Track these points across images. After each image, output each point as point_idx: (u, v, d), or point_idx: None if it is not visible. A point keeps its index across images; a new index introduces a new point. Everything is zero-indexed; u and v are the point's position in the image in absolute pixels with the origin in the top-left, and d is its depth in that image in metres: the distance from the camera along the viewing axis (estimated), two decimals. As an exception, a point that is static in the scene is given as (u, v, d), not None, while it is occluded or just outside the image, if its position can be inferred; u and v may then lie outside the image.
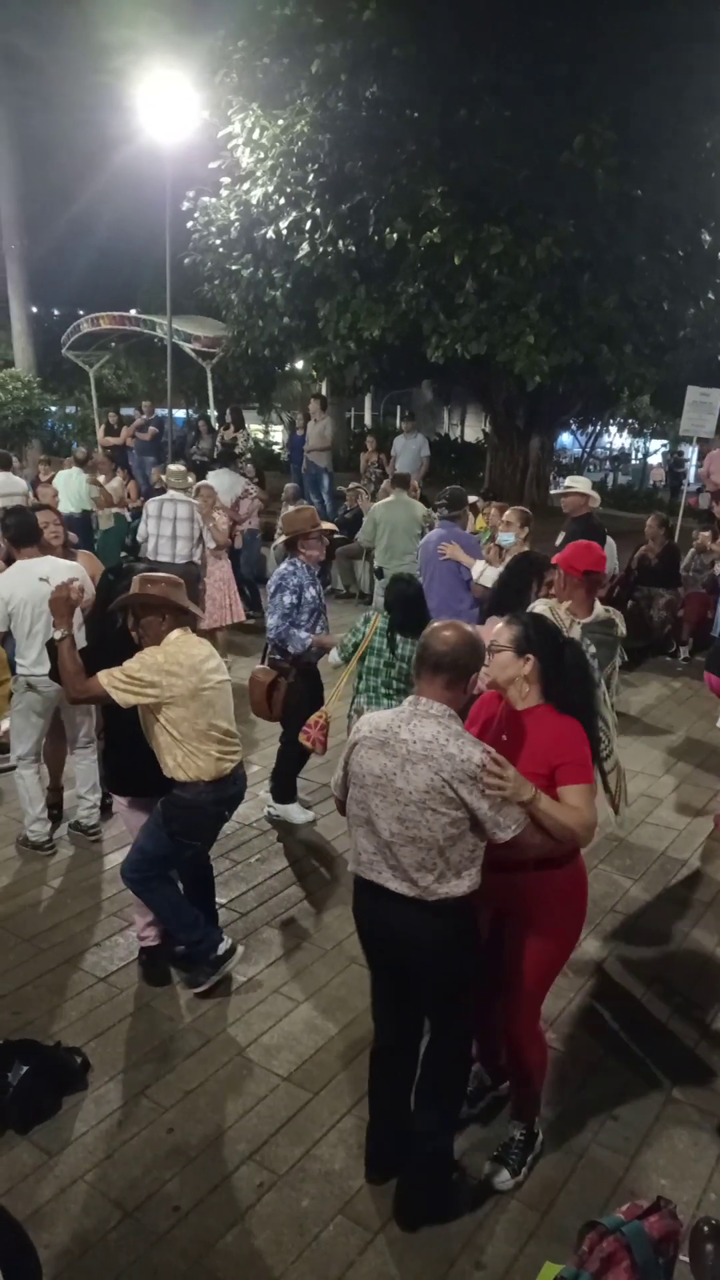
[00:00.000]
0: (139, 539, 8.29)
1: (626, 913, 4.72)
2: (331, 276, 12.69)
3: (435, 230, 11.37)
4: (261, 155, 12.78)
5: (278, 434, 27.19)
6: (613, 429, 30.56)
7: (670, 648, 9.33)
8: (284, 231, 12.71)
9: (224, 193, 13.93)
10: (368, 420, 27.76)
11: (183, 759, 3.66)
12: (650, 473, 28.74)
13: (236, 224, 13.73)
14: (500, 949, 3.04)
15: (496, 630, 2.96)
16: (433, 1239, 2.86)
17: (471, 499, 8.61)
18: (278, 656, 5.38)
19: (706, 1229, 2.60)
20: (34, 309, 21.32)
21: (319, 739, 4.92)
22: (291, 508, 6.25)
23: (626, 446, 34.14)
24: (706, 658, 6.53)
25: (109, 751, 4.26)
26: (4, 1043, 3.45)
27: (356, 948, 3.02)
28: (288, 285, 13.32)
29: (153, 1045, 3.68)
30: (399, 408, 27.07)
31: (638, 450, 33.67)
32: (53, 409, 22.12)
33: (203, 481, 9.38)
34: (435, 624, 2.81)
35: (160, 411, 15.89)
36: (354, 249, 12.34)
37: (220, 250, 14.18)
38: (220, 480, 9.86)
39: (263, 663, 5.57)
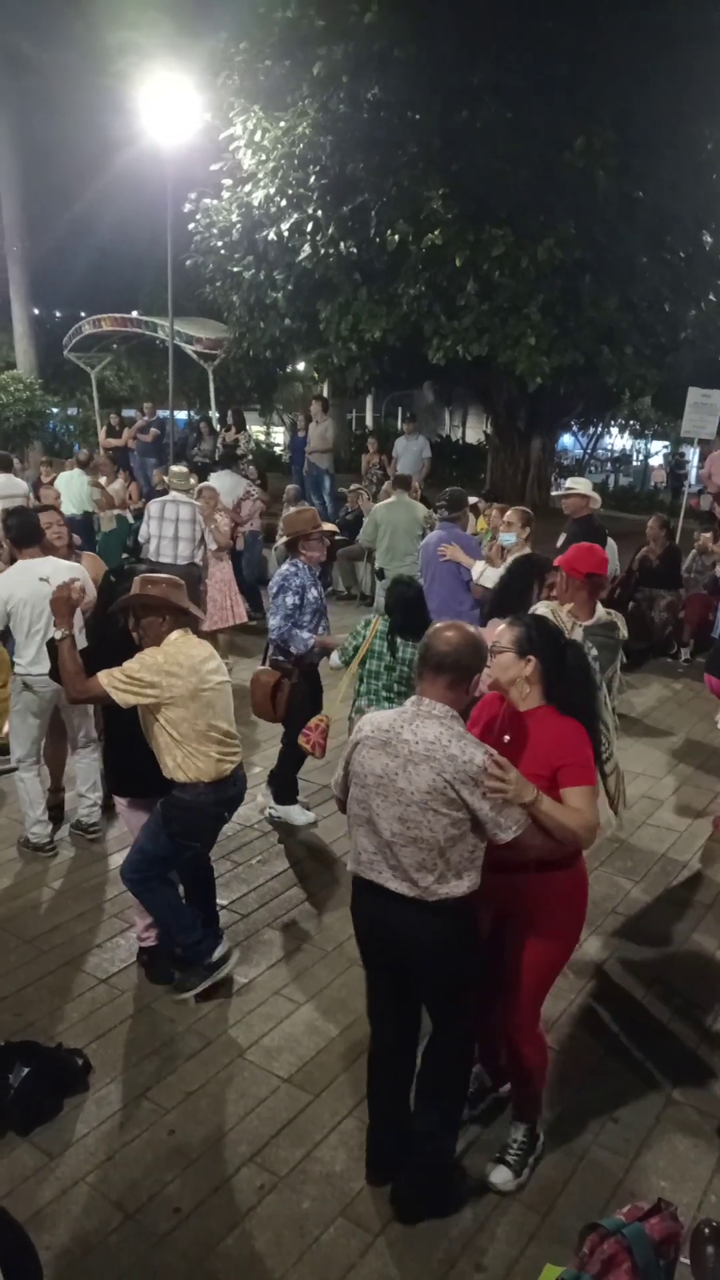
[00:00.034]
0: (141, 540, 8.30)
1: (627, 914, 4.72)
2: (333, 278, 12.70)
3: (436, 232, 11.39)
4: (263, 157, 12.80)
5: (279, 435, 27.19)
6: (614, 430, 30.55)
7: (671, 649, 9.33)
8: (285, 233, 12.73)
9: (225, 194, 13.95)
10: (369, 422, 27.75)
11: (182, 759, 3.66)
12: (651, 474, 28.72)
13: (238, 226, 13.74)
14: (501, 950, 3.04)
15: (499, 632, 2.96)
16: (433, 1241, 2.86)
17: (472, 500, 8.61)
18: (280, 658, 5.38)
19: (707, 1231, 2.60)
20: (36, 311, 21.34)
21: (319, 742, 4.92)
22: (293, 509, 6.25)
23: (627, 448, 34.12)
24: (707, 659, 6.53)
25: (109, 752, 4.27)
26: (5, 1044, 3.46)
27: (357, 949, 3.02)
28: (289, 287, 13.34)
29: (154, 1047, 3.68)
30: (400, 409, 27.06)
31: (639, 452, 33.65)
32: (54, 411, 22.14)
33: (205, 483, 9.39)
34: (438, 625, 2.82)
35: (162, 413, 15.90)
36: (355, 251, 12.36)
37: (222, 252, 14.19)
38: (222, 482, 9.87)
39: (264, 664, 5.57)
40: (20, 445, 18.53)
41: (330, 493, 13.88)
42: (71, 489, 11.24)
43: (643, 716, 7.68)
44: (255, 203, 13.08)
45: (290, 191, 12.69)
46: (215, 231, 14.20)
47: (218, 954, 3.93)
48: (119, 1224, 2.90)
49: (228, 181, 13.83)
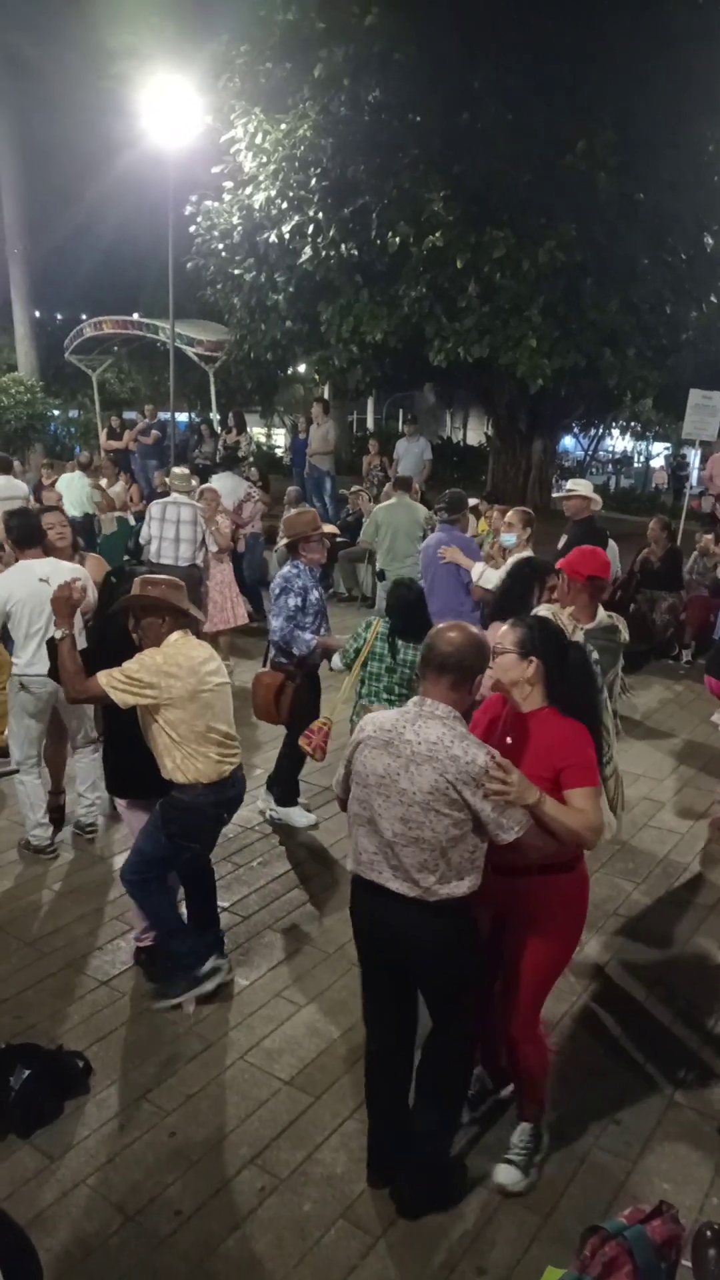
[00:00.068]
0: (142, 541, 8.31)
1: (629, 916, 4.71)
2: (334, 280, 12.71)
3: (437, 234, 11.39)
4: (264, 159, 12.82)
5: (280, 438, 27.21)
6: (615, 432, 30.54)
7: (673, 651, 9.32)
8: (286, 235, 12.74)
9: (226, 197, 13.96)
10: (370, 424, 27.77)
11: (182, 761, 3.66)
12: (652, 476, 28.72)
13: (239, 228, 13.75)
14: (501, 951, 3.04)
15: (501, 633, 2.96)
16: (435, 1243, 2.86)
17: (473, 502, 8.62)
18: (283, 660, 5.37)
19: (709, 1234, 2.60)
20: (37, 313, 21.38)
21: (321, 745, 4.92)
22: (293, 511, 6.26)
23: (629, 449, 34.13)
24: (707, 660, 6.53)
25: (108, 753, 4.27)
26: (6, 1046, 3.46)
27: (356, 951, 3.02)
28: (290, 289, 13.35)
29: (155, 1049, 3.68)
30: (401, 411, 27.06)
31: (640, 453, 33.65)
32: (55, 413, 22.16)
33: (206, 485, 9.39)
34: (441, 625, 2.82)
35: (163, 415, 15.92)
36: (356, 253, 12.36)
37: (223, 254, 14.21)
38: (223, 484, 9.88)
39: (265, 666, 5.56)
40: (21, 448, 18.56)
41: (331, 495, 13.89)
42: (72, 491, 11.26)
43: (644, 718, 7.68)
44: (256, 205, 13.10)
45: (291, 194, 12.70)
46: (216, 234, 14.22)
47: (205, 968, 3.91)
48: (120, 1226, 2.90)
49: (229, 184, 13.84)
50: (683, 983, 4.20)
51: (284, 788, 5.61)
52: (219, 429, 15.44)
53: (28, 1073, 3.28)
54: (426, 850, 2.64)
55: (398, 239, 11.72)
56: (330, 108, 12.00)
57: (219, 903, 4.40)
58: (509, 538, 6.61)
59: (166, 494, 8.62)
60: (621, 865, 5.21)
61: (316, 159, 12.43)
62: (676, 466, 23.99)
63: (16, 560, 5.07)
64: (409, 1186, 2.99)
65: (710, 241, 12.31)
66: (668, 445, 29.41)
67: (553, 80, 10.82)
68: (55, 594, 3.96)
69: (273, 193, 12.78)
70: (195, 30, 13.16)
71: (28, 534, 5.06)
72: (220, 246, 14.20)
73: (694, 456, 20.66)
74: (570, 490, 7.67)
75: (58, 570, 4.81)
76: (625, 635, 4.22)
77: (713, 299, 12.83)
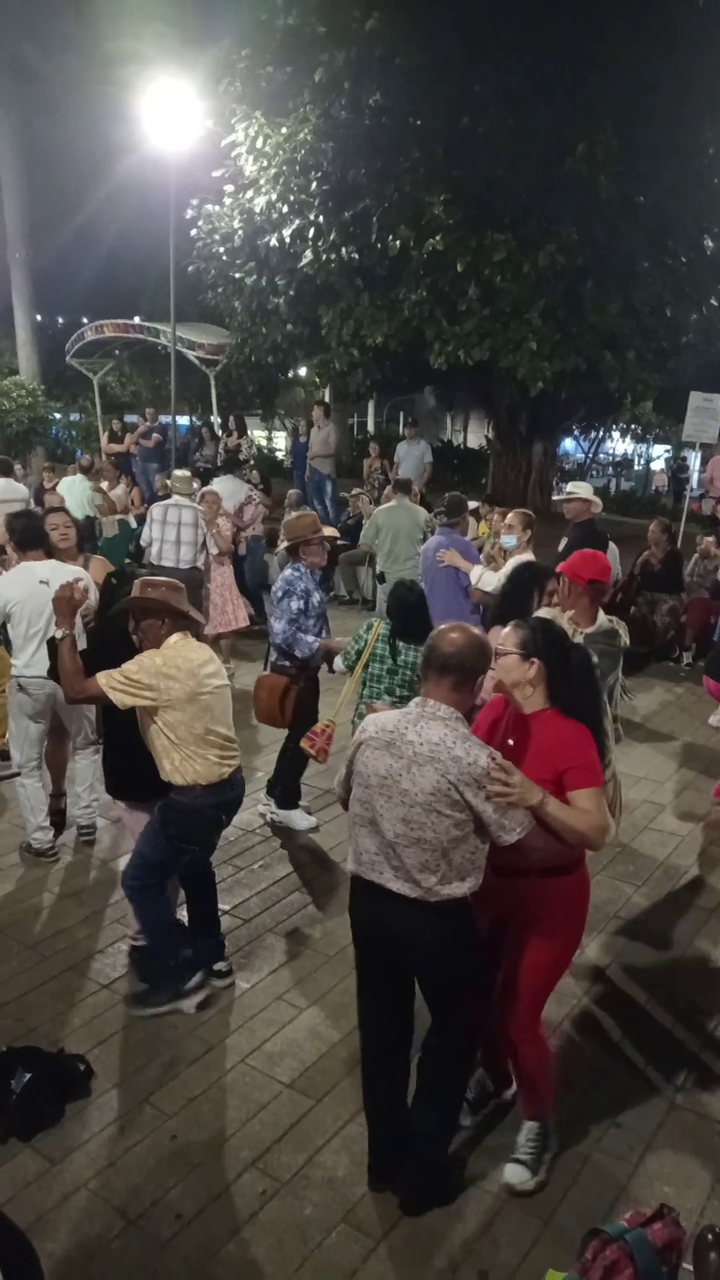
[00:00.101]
0: (143, 544, 8.32)
1: (629, 919, 4.71)
2: (334, 284, 12.73)
3: (438, 237, 11.41)
4: (265, 163, 12.84)
5: (281, 441, 27.23)
6: (615, 434, 30.56)
7: (673, 653, 9.32)
8: (287, 239, 12.76)
9: (227, 201, 13.99)
10: (370, 426, 27.79)
11: (180, 762, 3.66)
12: (653, 478, 28.75)
13: (240, 232, 13.78)
14: (501, 952, 3.04)
15: (503, 634, 2.97)
16: (436, 1246, 2.86)
17: (473, 505, 8.62)
18: (285, 663, 5.37)
19: (710, 1237, 2.60)
20: (38, 317, 21.40)
21: (324, 748, 4.92)
22: (294, 514, 6.26)
23: (629, 452, 34.15)
24: (706, 662, 6.53)
25: (107, 754, 4.27)
26: (7, 1049, 3.46)
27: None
28: (291, 292, 13.37)
29: (156, 1052, 3.68)
30: (402, 414, 27.08)
31: (640, 456, 33.67)
32: (57, 416, 22.18)
33: (208, 487, 9.40)
34: (443, 626, 2.83)
35: (164, 419, 15.93)
36: (357, 256, 12.38)
37: (224, 258, 14.23)
38: (224, 486, 9.90)
39: (265, 669, 5.56)
40: (23, 451, 18.57)
41: (332, 497, 13.91)
42: (74, 494, 11.27)
43: (644, 721, 7.68)
44: (257, 209, 13.12)
45: (292, 197, 12.73)
46: (217, 237, 14.24)
47: (190, 984, 3.91)
48: (121, 1230, 2.90)
49: (229, 188, 13.87)
50: (683, 985, 4.19)
51: (285, 790, 5.61)
52: (220, 432, 15.45)
53: (29, 1076, 3.28)
54: (428, 851, 2.65)
55: (398, 242, 11.73)
56: (331, 111, 12.02)
57: (220, 905, 4.40)
58: (509, 540, 6.62)
59: (167, 496, 8.63)
60: (622, 868, 5.20)
61: (317, 163, 12.46)
62: (677, 469, 24.04)
63: (19, 562, 5.09)
64: (409, 1187, 3.00)
65: (710, 244, 12.34)
66: (668, 448, 29.45)
67: (553, 81, 10.84)
68: (57, 594, 3.97)
69: (273, 196, 12.80)
70: (196, 35, 13.19)
71: (30, 536, 5.07)
72: (221, 250, 14.23)
73: (694, 459, 20.67)
74: (570, 493, 7.68)
75: (58, 572, 4.81)
76: (626, 639, 4.22)
77: (713, 301, 12.85)
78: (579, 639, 3.78)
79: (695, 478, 20.52)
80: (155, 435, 15.53)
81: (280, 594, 5.30)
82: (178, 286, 12.96)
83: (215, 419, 16.67)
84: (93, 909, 4.69)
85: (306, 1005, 3.98)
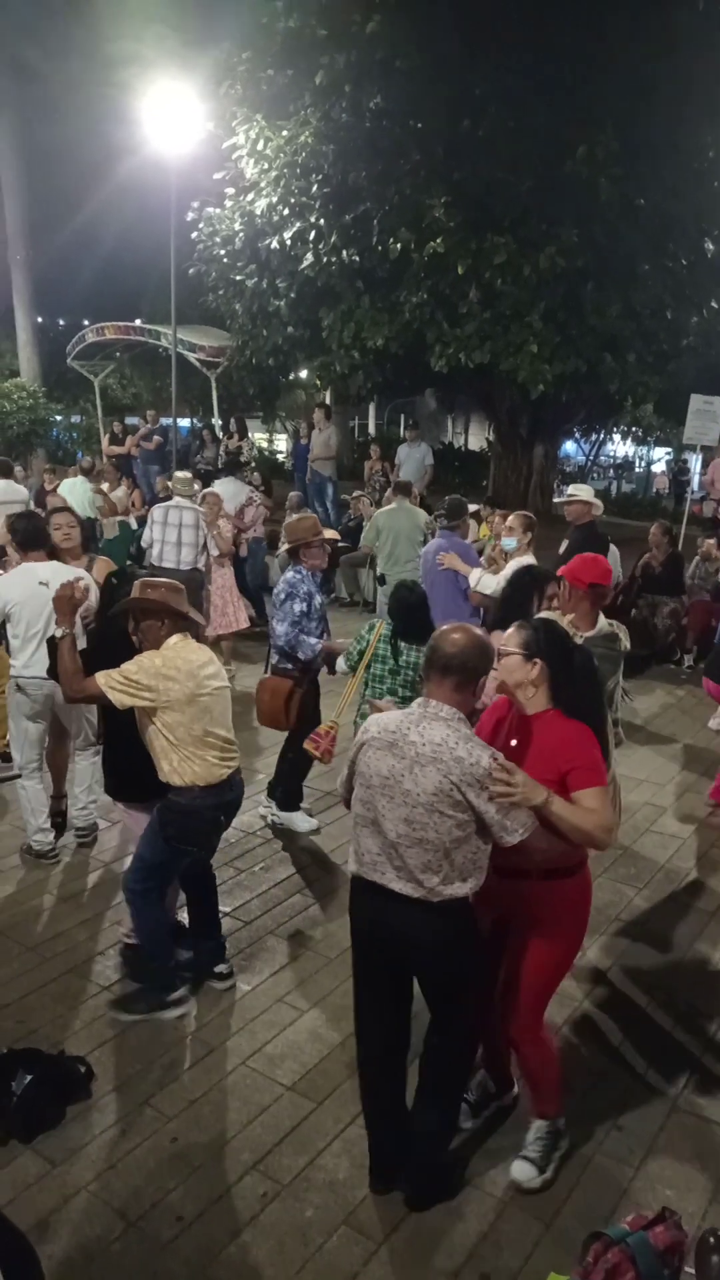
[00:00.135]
0: (144, 545, 8.33)
1: (630, 922, 4.71)
2: (335, 286, 12.74)
3: (439, 240, 11.42)
4: (265, 166, 12.86)
5: (282, 443, 27.26)
6: (616, 437, 30.60)
7: (674, 656, 9.32)
8: (288, 242, 12.78)
9: (228, 203, 14.01)
10: (371, 429, 27.82)
11: (178, 763, 3.66)
12: (654, 481, 28.76)
13: (241, 234, 13.79)
14: (503, 953, 3.04)
15: (507, 634, 2.97)
16: (437, 1249, 2.86)
17: (474, 508, 8.63)
18: (288, 665, 5.36)
19: (712, 1240, 2.60)
20: (39, 319, 21.41)
21: (329, 749, 4.92)
22: (295, 516, 6.27)
23: (630, 454, 34.18)
24: (706, 664, 6.53)
25: (106, 755, 4.27)
26: (8, 1051, 3.45)
27: (358, 954, 3.02)
28: (292, 295, 13.38)
29: (156, 1054, 3.68)
30: (403, 416, 27.08)
31: (641, 458, 33.71)
32: (58, 418, 22.20)
33: (209, 489, 9.40)
34: (445, 627, 2.83)
35: (165, 421, 15.94)
36: (358, 259, 12.40)
37: (224, 260, 14.25)
38: (225, 488, 9.90)
39: (266, 671, 5.56)
40: (24, 453, 18.58)
41: (333, 500, 13.91)
42: (74, 496, 11.26)
43: (645, 723, 7.68)
44: (258, 211, 13.14)
45: (293, 200, 12.74)
46: (218, 240, 14.26)
47: (172, 996, 3.89)
48: (121, 1232, 2.89)
49: (230, 190, 13.89)
50: (684, 988, 4.19)
51: (287, 792, 5.61)
52: (221, 434, 15.46)
53: (29, 1078, 3.28)
54: (430, 851, 2.65)
55: (399, 245, 11.75)
56: (332, 114, 12.04)
57: (221, 907, 4.40)
58: (509, 542, 6.62)
59: (168, 498, 8.64)
60: (623, 870, 5.20)
61: (318, 165, 12.47)
62: (678, 471, 24.06)
63: (20, 563, 5.09)
64: (411, 1187, 3.00)
65: (711, 247, 12.34)
66: (669, 450, 29.47)
67: (553, 82, 10.85)
68: (58, 593, 3.97)
69: (274, 199, 12.82)
70: (197, 37, 13.21)
71: (32, 537, 5.07)
72: (222, 252, 14.25)
73: (695, 461, 20.68)
74: (571, 495, 7.69)
75: (59, 574, 4.81)
76: (626, 643, 4.22)
77: (713, 304, 12.86)
78: (579, 642, 3.78)
79: (696, 480, 20.53)
80: (156, 437, 15.54)
81: (283, 596, 5.29)
82: (179, 289, 12.98)
83: (216, 421, 16.67)
84: (94, 911, 4.69)
85: (307, 1007, 3.98)
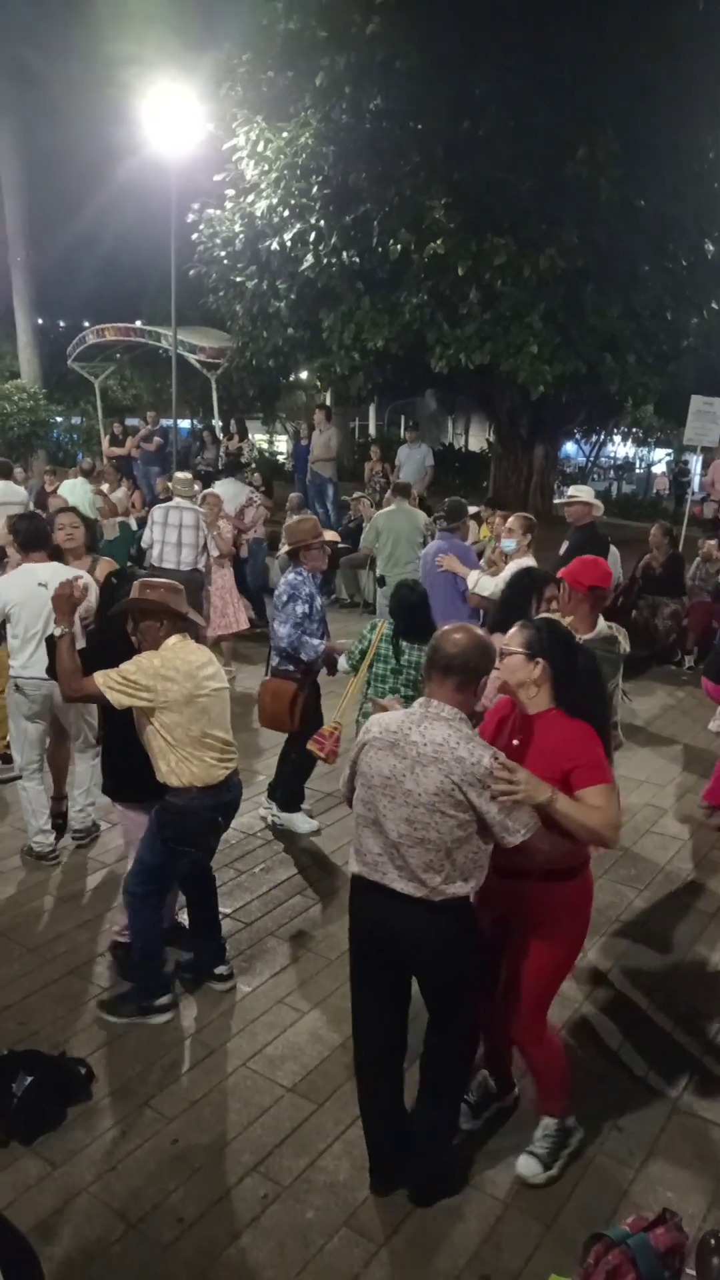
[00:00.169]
0: (144, 546, 8.34)
1: (630, 923, 4.71)
2: (335, 287, 12.75)
3: (439, 241, 11.43)
4: (266, 167, 12.86)
5: (282, 444, 27.28)
6: (617, 438, 30.61)
7: (675, 657, 9.32)
8: (288, 243, 12.78)
9: (229, 205, 14.01)
10: (372, 430, 27.81)
11: (176, 764, 3.66)
12: (654, 482, 28.76)
13: (241, 236, 13.80)
14: (504, 953, 3.04)
15: (509, 634, 2.98)
16: (437, 1251, 2.86)
17: (474, 510, 8.64)
18: (289, 667, 5.36)
19: (714, 1242, 2.60)
20: (39, 320, 21.42)
21: (333, 750, 4.92)
22: (295, 518, 6.27)
23: (630, 455, 34.19)
24: (705, 664, 6.53)
25: (105, 755, 4.27)
26: (9, 1053, 3.46)
27: (358, 955, 3.02)
28: (292, 296, 13.38)
29: (156, 1056, 3.68)
30: (403, 417, 27.08)
31: (641, 459, 33.72)
32: (58, 420, 22.20)
33: (209, 490, 9.41)
34: (446, 627, 2.83)
35: (165, 422, 15.95)
36: (358, 260, 12.40)
37: (225, 262, 14.25)
38: (225, 489, 9.92)
39: (267, 673, 5.55)
40: (24, 454, 18.59)
41: (333, 501, 13.92)
42: (75, 496, 11.24)
43: (646, 724, 7.68)
44: (258, 213, 13.14)
45: (293, 201, 12.75)
46: (218, 241, 14.26)
47: (158, 1002, 3.88)
48: (122, 1233, 2.89)
49: (231, 192, 13.89)
50: (685, 989, 4.19)
51: (288, 793, 5.60)
52: (221, 436, 15.47)
53: (30, 1079, 3.28)
54: (432, 851, 2.65)
55: (399, 246, 11.75)
56: (332, 116, 12.04)
57: (221, 909, 4.40)
58: (509, 543, 6.62)
59: (169, 499, 8.64)
60: (624, 872, 5.20)
61: (318, 167, 12.48)
62: (678, 472, 24.05)
63: (21, 564, 5.10)
64: (412, 1187, 3.01)
65: (711, 248, 12.35)
66: (669, 451, 29.48)
67: (553, 82, 10.85)
68: (57, 591, 3.98)
69: (274, 200, 12.82)
70: (197, 39, 13.20)
71: (33, 538, 5.08)
72: (222, 254, 14.24)
73: (695, 462, 20.68)
74: (572, 496, 7.69)
75: (58, 575, 4.81)
76: (626, 646, 4.22)
77: (714, 305, 12.87)
78: (578, 644, 3.78)
79: (696, 481, 20.53)
80: (156, 439, 15.55)
81: (285, 598, 5.28)
82: (179, 290, 12.99)
83: (216, 422, 16.67)
84: (95, 913, 4.69)
85: (308, 1009, 3.98)
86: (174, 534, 8.00)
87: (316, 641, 5.26)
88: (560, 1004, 3.81)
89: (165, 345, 15.28)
